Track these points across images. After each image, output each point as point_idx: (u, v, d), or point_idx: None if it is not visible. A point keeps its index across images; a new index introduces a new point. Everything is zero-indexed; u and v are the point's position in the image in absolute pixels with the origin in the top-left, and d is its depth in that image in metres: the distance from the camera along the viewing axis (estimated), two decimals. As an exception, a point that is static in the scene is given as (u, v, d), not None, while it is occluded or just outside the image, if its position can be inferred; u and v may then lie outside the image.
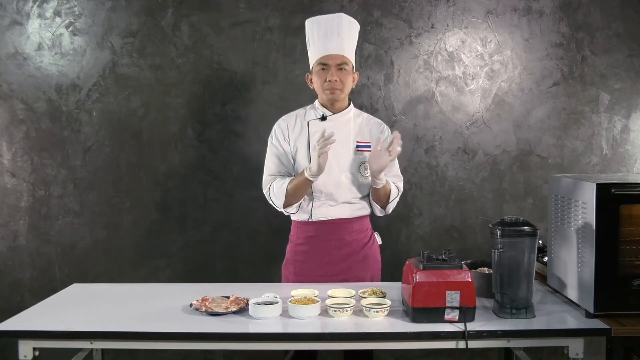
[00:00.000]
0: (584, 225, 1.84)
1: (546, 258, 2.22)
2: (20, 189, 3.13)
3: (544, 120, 3.13)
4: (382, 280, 2.48)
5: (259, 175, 3.09)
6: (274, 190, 2.35)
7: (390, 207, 2.42)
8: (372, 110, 3.08)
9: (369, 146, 2.39)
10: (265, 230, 3.13)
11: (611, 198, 1.78)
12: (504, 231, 1.85)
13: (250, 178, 3.11)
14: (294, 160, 2.39)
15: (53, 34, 3.08)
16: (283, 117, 2.48)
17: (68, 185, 3.13)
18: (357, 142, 2.40)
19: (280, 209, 2.39)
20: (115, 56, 3.08)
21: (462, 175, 3.14)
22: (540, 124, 3.13)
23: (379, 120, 2.52)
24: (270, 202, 2.41)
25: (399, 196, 2.43)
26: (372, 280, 2.42)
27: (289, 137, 2.40)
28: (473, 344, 1.75)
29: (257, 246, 3.14)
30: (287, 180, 2.33)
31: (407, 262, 1.92)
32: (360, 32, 3.06)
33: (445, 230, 3.16)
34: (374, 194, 2.37)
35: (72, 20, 3.07)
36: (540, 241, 2.47)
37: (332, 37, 2.33)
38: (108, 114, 3.10)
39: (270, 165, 2.42)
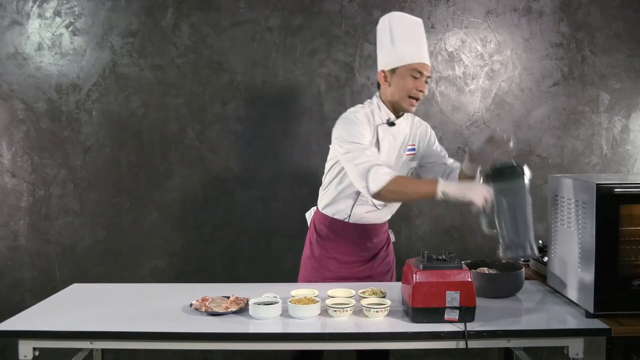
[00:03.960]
0: (584, 225, 1.84)
1: (546, 258, 2.22)
2: (20, 189, 3.13)
3: (544, 120, 3.13)
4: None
5: (259, 175, 3.11)
6: (375, 173, 2.02)
7: None
8: (372, 110, 3.09)
9: (414, 149, 2.34)
10: (265, 230, 3.13)
11: (611, 198, 1.77)
12: (494, 176, 1.89)
13: (250, 178, 3.11)
14: None
15: (53, 34, 3.08)
16: (355, 109, 2.23)
17: (68, 185, 3.13)
18: (408, 145, 2.32)
19: (367, 193, 2.07)
20: (115, 56, 3.08)
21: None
22: (540, 124, 3.13)
23: (420, 120, 2.40)
24: (360, 181, 2.05)
25: None
26: (391, 278, 2.45)
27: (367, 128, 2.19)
28: (473, 344, 1.75)
29: (257, 246, 3.14)
30: (408, 176, 2.22)
31: (407, 262, 1.92)
32: (360, 32, 3.08)
33: (445, 230, 3.16)
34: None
35: (72, 20, 3.07)
36: (540, 241, 2.48)
37: (424, 46, 2.22)
38: (108, 114, 3.10)
39: (360, 135, 2.11)
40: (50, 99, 3.10)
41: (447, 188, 1.95)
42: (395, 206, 2.41)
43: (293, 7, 3.06)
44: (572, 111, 3.13)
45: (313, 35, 3.06)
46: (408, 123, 2.33)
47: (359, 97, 3.08)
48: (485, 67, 3.12)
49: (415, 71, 2.17)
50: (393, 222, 3.13)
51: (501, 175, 1.91)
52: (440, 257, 1.84)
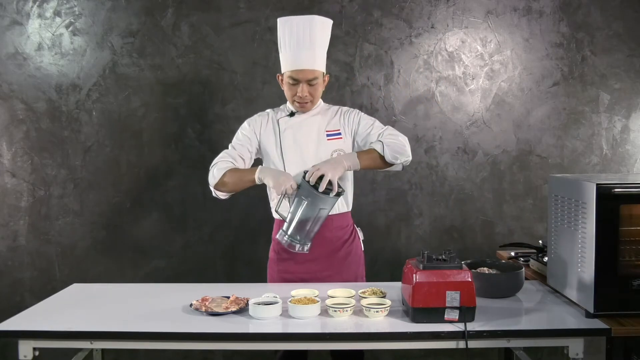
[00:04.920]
0: (584, 225, 1.84)
1: (546, 258, 2.22)
2: (20, 189, 3.13)
3: (544, 120, 3.13)
4: (382, 280, 2.49)
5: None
6: (217, 168, 2.31)
7: (393, 157, 2.26)
8: (372, 111, 3.09)
9: (339, 134, 2.38)
10: (265, 230, 3.11)
11: (611, 198, 1.78)
12: (303, 179, 2.15)
13: (250, 178, 3.11)
14: (262, 154, 2.41)
15: (53, 34, 3.08)
16: (256, 115, 2.46)
17: (68, 185, 3.13)
18: (327, 131, 2.38)
19: (211, 188, 2.36)
20: (115, 56, 3.08)
21: (462, 175, 3.14)
22: (540, 124, 3.13)
23: (350, 108, 2.46)
24: (209, 178, 2.36)
25: (388, 143, 2.26)
26: (356, 277, 2.41)
27: (260, 132, 2.39)
28: (473, 344, 1.75)
29: (257, 246, 3.14)
30: (234, 166, 2.32)
31: (407, 262, 1.92)
32: (360, 32, 3.08)
33: (445, 230, 3.16)
34: (372, 167, 2.33)
35: (72, 20, 3.07)
36: (540, 241, 2.48)
37: (303, 48, 2.25)
38: (108, 114, 3.10)
39: (230, 147, 2.41)
40: (50, 99, 3.10)
41: (262, 174, 2.23)
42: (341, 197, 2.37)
43: (293, 7, 3.06)
44: (572, 111, 3.13)
45: (313, 35, 3.06)
46: (322, 112, 2.41)
47: (359, 97, 3.08)
48: (485, 67, 3.12)
49: (290, 79, 2.29)
50: (393, 222, 3.15)
51: (307, 183, 2.12)
52: (440, 257, 1.84)
